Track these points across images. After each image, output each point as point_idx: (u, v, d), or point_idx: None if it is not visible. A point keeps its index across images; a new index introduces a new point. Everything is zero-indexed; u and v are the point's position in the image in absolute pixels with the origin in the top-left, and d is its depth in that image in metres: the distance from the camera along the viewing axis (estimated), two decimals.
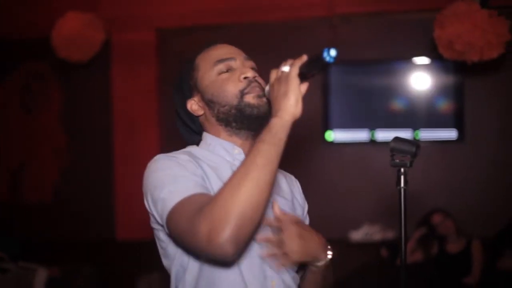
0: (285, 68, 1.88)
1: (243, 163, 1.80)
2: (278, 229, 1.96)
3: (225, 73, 2.08)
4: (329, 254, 2.09)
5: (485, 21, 4.55)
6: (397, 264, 5.96)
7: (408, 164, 2.09)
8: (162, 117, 7.45)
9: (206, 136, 2.16)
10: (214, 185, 1.97)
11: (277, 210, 1.98)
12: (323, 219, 6.52)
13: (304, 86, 1.88)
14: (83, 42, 6.25)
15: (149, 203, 1.99)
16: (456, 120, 6.91)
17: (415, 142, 2.07)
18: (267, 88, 1.98)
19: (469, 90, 6.91)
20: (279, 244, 1.94)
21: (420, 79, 6.99)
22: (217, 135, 2.13)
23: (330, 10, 6.78)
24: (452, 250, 6.04)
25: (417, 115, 7.00)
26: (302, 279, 2.16)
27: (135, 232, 7.23)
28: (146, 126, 7.43)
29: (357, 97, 7.07)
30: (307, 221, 2.31)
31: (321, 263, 2.07)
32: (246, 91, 2.05)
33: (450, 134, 6.89)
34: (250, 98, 2.04)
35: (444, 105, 6.95)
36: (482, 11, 4.66)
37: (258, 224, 1.80)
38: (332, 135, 7.02)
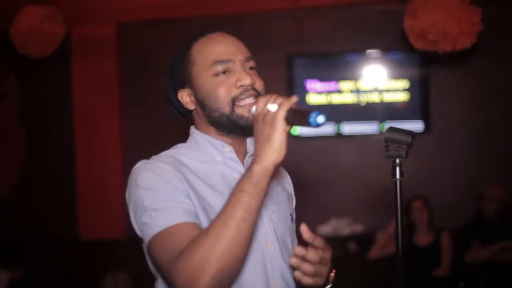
0: (272, 107, 1.78)
1: (223, 213, 1.72)
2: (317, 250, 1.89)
3: (222, 75, 1.98)
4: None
5: (458, 10, 4.52)
6: (366, 258, 5.93)
7: (404, 155, 2.00)
8: (123, 111, 7.35)
9: (194, 133, 2.08)
10: (204, 194, 1.92)
11: (306, 234, 1.87)
12: None
13: (287, 129, 1.78)
14: (42, 36, 6.07)
15: (131, 217, 1.91)
16: (422, 111, 6.91)
17: (410, 132, 1.98)
18: (253, 108, 1.86)
19: (435, 81, 6.93)
20: (319, 263, 1.89)
21: (385, 71, 6.97)
22: (206, 132, 2.05)
23: (295, 2, 6.72)
24: (421, 242, 6.02)
25: (383, 107, 6.98)
26: None
27: (99, 232, 7.11)
28: (108, 121, 7.31)
29: (322, 89, 7.01)
30: (294, 215, 2.21)
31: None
32: (238, 100, 1.96)
33: (416, 126, 6.88)
34: (242, 111, 1.96)
35: (410, 97, 6.93)
36: (454, 0, 4.62)
37: (236, 274, 1.79)
38: (298, 129, 6.94)
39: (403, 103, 6.95)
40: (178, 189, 1.85)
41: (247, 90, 1.96)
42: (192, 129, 2.09)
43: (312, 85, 7.01)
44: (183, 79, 2.04)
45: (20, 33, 6.00)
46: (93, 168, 7.28)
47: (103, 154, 7.29)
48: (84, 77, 7.32)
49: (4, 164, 7.66)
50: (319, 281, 1.92)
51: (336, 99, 7.01)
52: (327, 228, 6.89)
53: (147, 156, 2.01)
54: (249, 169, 1.75)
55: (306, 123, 1.73)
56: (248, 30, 7.05)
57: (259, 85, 2.01)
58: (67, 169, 7.33)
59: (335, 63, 7.08)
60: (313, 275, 1.88)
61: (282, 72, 7.10)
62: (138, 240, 1.96)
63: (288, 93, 6.96)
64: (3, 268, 6.17)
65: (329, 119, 6.87)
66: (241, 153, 2.06)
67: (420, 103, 6.91)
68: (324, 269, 1.93)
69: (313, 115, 1.71)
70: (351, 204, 6.91)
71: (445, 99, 6.98)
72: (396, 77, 6.95)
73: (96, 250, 6.97)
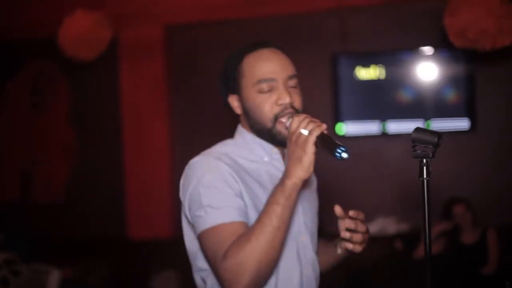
0: (304, 131, 1.98)
1: (261, 221, 1.99)
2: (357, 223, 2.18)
3: (265, 93, 2.20)
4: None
5: (498, 7, 4.46)
6: (413, 257, 5.90)
7: (431, 155, 2.05)
8: (171, 114, 7.42)
9: (243, 133, 2.33)
10: (256, 192, 2.20)
11: (350, 212, 2.17)
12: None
13: (315, 151, 2.00)
14: (91, 40, 6.18)
15: (185, 206, 2.20)
16: (468, 109, 6.85)
17: (437, 133, 2.03)
18: (288, 123, 2.09)
19: (480, 79, 6.85)
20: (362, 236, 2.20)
21: (430, 69, 6.92)
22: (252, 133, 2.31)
23: (340, 2, 6.72)
24: (467, 241, 5.98)
25: (429, 105, 6.94)
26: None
27: (148, 230, 7.20)
28: (156, 123, 7.39)
29: (367, 88, 7.00)
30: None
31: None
32: (279, 117, 2.18)
33: (462, 123, 6.83)
34: (281, 128, 2.18)
35: (455, 95, 6.89)
36: None
37: (272, 270, 2.09)
38: (343, 128, 6.95)
39: (449, 101, 6.90)
40: (233, 189, 2.12)
41: (287, 108, 2.18)
42: (241, 128, 2.34)
43: (357, 84, 7.02)
44: (234, 87, 2.28)
45: (69, 37, 6.11)
46: (142, 168, 7.37)
47: (152, 155, 7.37)
48: (132, 79, 7.41)
49: (55, 166, 7.82)
50: (364, 246, 2.23)
51: (381, 97, 7.00)
52: (372, 227, 6.86)
53: (194, 156, 2.26)
54: (281, 183, 2.00)
55: (332, 153, 1.94)
56: (293, 31, 7.11)
57: (297, 103, 2.22)
58: (116, 170, 7.44)
59: (379, 62, 7.05)
60: (361, 243, 2.20)
61: (326, 71, 7.11)
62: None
63: (335, 92, 6.99)
64: (55, 267, 6.29)
65: (374, 117, 6.92)
66: (283, 156, 2.31)
67: (466, 101, 6.85)
68: (366, 236, 2.24)
69: (338, 150, 1.93)
70: (397, 202, 6.88)
71: (491, 97, 6.90)
72: (441, 74, 6.91)
73: (144, 248, 7.05)
